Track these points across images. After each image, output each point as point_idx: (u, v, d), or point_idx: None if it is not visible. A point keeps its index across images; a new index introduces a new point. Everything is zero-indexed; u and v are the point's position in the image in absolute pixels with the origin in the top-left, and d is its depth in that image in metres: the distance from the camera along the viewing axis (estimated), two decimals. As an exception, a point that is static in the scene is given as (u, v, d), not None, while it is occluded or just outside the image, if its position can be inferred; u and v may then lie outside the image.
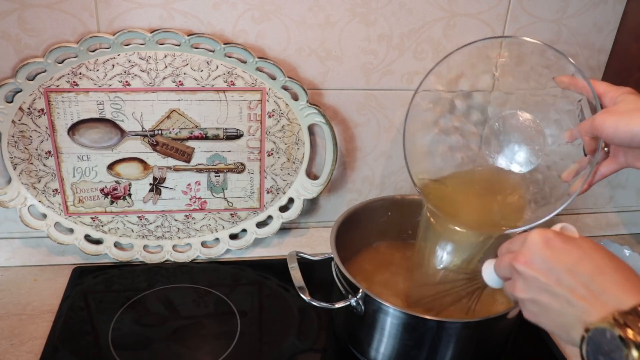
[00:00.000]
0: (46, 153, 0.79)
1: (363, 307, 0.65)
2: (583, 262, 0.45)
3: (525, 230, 0.64)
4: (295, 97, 0.81)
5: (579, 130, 0.59)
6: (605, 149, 0.61)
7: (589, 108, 0.62)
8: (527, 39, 0.68)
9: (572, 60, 0.62)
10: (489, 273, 0.57)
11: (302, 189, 0.88)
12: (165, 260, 0.87)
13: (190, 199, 0.86)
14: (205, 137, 0.82)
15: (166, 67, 0.76)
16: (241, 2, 0.76)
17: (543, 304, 0.46)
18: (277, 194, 0.89)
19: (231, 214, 0.89)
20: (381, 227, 0.84)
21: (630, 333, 0.39)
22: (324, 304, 0.67)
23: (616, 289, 0.43)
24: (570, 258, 0.46)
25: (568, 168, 0.64)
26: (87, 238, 0.86)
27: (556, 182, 0.68)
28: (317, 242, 0.94)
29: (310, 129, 0.85)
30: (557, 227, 0.52)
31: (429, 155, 0.77)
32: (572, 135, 0.62)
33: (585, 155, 0.61)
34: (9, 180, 0.80)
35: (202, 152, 0.83)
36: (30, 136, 0.78)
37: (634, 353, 0.39)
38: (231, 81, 0.79)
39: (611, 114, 0.55)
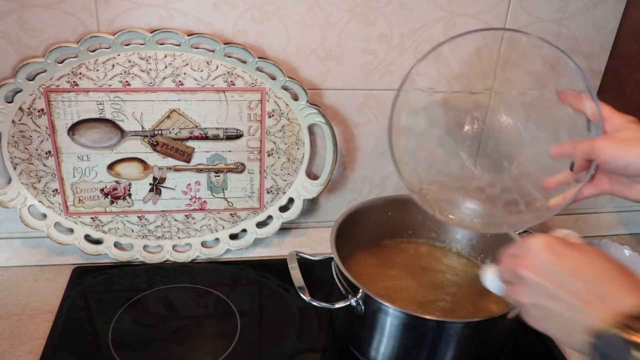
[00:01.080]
0: (46, 153, 0.79)
1: (363, 307, 0.65)
2: (587, 267, 0.45)
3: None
4: (295, 97, 0.81)
5: (575, 149, 0.59)
6: (592, 172, 0.60)
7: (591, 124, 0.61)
8: (527, 34, 0.65)
9: (583, 74, 0.59)
10: (490, 278, 0.57)
11: (302, 189, 0.88)
12: (165, 260, 0.87)
13: (190, 199, 0.86)
14: (205, 137, 0.82)
15: (166, 67, 0.76)
16: (241, 2, 0.76)
17: (547, 309, 0.46)
18: (277, 194, 0.89)
19: (231, 214, 0.89)
20: (381, 227, 0.84)
21: (638, 336, 0.39)
22: (324, 304, 0.67)
23: (622, 293, 0.43)
24: (574, 262, 0.45)
25: (551, 177, 0.64)
26: (87, 238, 0.86)
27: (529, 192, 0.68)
28: (317, 242, 0.94)
29: (310, 129, 0.85)
30: (559, 233, 0.51)
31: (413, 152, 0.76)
32: (561, 152, 0.61)
33: (571, 170, 0.61)
34: (9, 180, 0.80)
35: (202, 152, 0.83)
36: (30, 136, 0.78)
37: None
38: (231, 81, 0.79)
39: (611, 140, 0.56)
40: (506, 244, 0.54)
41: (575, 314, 0.44)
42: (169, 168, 0.84)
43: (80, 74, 0.75)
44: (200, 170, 0.85)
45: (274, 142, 0.84)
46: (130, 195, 0.85)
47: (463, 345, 0.65)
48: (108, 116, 0.78)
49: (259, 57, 0.77)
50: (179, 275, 0.85)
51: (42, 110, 0.76)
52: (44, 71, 0.74)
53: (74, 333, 0.73)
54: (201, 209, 0.88)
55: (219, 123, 0.81)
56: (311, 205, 0.94)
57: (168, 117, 0.80)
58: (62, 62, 0.74)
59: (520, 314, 0.50)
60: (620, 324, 0.40)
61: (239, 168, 0.85)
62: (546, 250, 0.47)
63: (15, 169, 0.79)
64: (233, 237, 0.90)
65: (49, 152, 0.79)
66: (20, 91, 0.74)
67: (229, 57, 0.77)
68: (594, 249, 0.47)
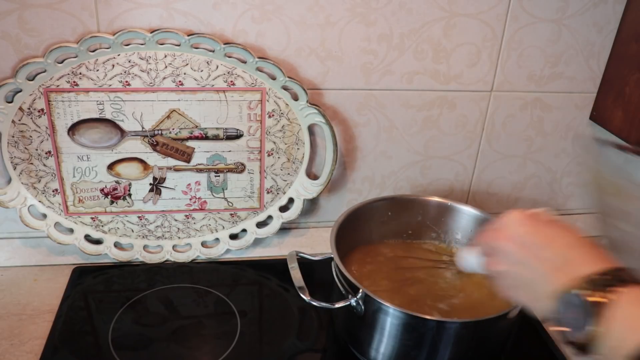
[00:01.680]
0: (46, 153, 0.79)
1: (363, 307, 0.65)
2: (557, 238, 0.49)
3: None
4: (295, 97, 0.81)
5: None
6: None
7: None
8: None
9: None
10: (465, 259, 0.63)
11: (302, 189, 0.88)
12: (165, 260, 0.87)
13: (190, 199, 0.86)
14: (205, 137, 0.82)
15: (166, 67, 0.76)
16: (241, 2, 0.76)
17: (518, 276, 0.50)
18: (277, 194, 0.89)
19: (231, 214, 0.89)
20: (381, 227, 0.84)
21: (594, 294, 0.42)
22: (324, 304, 0.67)
23: (585, 260, 0.46)
24: (544, 234, 0.50)
25: None
26: (87, 238, 0.86)
27: None
28: (317, 242, 0.94)
29: (310, 129, 0.85)
30: (538, 210, 0.55)
31: None
32: None
33: None
34: (9, 180, 0.80)
35: (202, 152, 0.83)
36: (30, 136, 0.78)
37: (599, 313, 0.41)
38: (231, 81, 0.79)
39: None
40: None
41: (543, 280, 0.48)
42: (169, 168, 0.84)
43: (80, 74, 0.75)
44: (200, 170, 0.85)
45: (274, 142, 0.84)
46: (130, 195, 0.85)
47: (463, 345, 0.65)
48: (108, 116, 0.78)
49: (259, 57, 0.77)
50: (179, 275, 0.85)
51: (42, 110, 0.76)
52: (44, 71, 0.74)
53: (74, 333, 0.73)
54: (201, 209, 0.88)
55: (219, 123, 0.81)
56: (311, 205, 0.94)
57: (168, 117, 0.80)
58: (62, 62, 0.74)
59: (496, 284, 0.54)
60: (579, 285, 0.44)
61: (239, 168, 0.85)
62: (520, 223, 0.51)
63: (15, 169, 0.79)
64: (233, 237, 0.90)
65: (49, 152, 0.79)
66: (20, 91, 0.74)
67: (229, 57, 0.77)
68: (564, 224, 0.51)
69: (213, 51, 0.76)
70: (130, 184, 0.84)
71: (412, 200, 0.85)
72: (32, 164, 0.80)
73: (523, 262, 0.50)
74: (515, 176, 0.99)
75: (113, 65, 0.75)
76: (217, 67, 0.77)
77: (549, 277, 0.47)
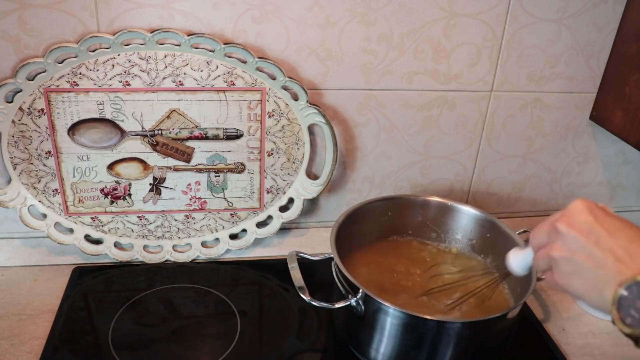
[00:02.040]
0: (46, 153, 0.79)
1: (363, 307, 0.65)
2: (622, 230, 0.48)
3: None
4: (295, 97, 0.81)
5: None
6: None
7: None
8: None
9: None
10: (516, 259, 0.60)
11: (302, 189, 0.88)
12: (165, 260, 0.87)
13: (190, 199, 0.86)
14: (205, 137, 0.82)
15: (166, 67, 0.76)
16: (241, 2, 0.76)
17: (579, 263, 0.49)
18: (277, 194, 0.89)
19: (231, 214, 0.89)
20: (381, 227, 0.84)
21: None
22: (324, 304, 0.67)
23: None
24: (610, 224, 0.49)
25: None
26: (87, 238, 0.86)
27: None
28: (317, 242, 0.94)
29: (310, 129, 0.85)
30: (601, 204, 0.55)
31: None
32: None
33: None
34: (9, 180, 0.80)
35: (202, 152, 0.83)
36: (30, 136, 0.78)
37: None
38: (231, 81, 0.79)
39: None
40: (506, 245, 0.53)
41: (605, 269, 0.47)
42: (169, 168, 0.84)
43: (80, 74, 0.75)
44: (200, 170, 0.85)
45: (274, 142, 0.84)
46: (130, 195, 0.85)
47: (463, 345, 0.65)
48: (108, 116, 0.78)
49: (259, 57, 0.77)
50: (179, 275, 0.85)
51: (42, 110, 0.76)
52: (44, 71, 0.74)
53: (74, 333, 0.73)
54: (201, 209, 0.88)
55: (219, 123, 0.81)
56: (311, 205, 0.94)
57: (168, 117, 0.80)
58: (62, 62, 0.74)
59: (548, 274, 0.53)
60: None
61: (239, 168, 0.85)
62: (586, 210, 0.50)
63: (15, 169, 0.79)
64: (233, 237, 0.90)
65: (49, 152, 0.79)
66: (20, 91, 0.74)
67: (229, 57, 0.77)
68: (627, 220, 0.50)
69: (213, 51, 0.76)
70: (130, 184, 0.84)
71: (412, 200, 0.85)
72: (32, 164, 0.80)
73: (587, 250, 0.48)
74: (515, 176, 0.99)
75: (113, 65, 0.75)
76: (217, 67, 0.77)
77: (614, 266, 0.46)
